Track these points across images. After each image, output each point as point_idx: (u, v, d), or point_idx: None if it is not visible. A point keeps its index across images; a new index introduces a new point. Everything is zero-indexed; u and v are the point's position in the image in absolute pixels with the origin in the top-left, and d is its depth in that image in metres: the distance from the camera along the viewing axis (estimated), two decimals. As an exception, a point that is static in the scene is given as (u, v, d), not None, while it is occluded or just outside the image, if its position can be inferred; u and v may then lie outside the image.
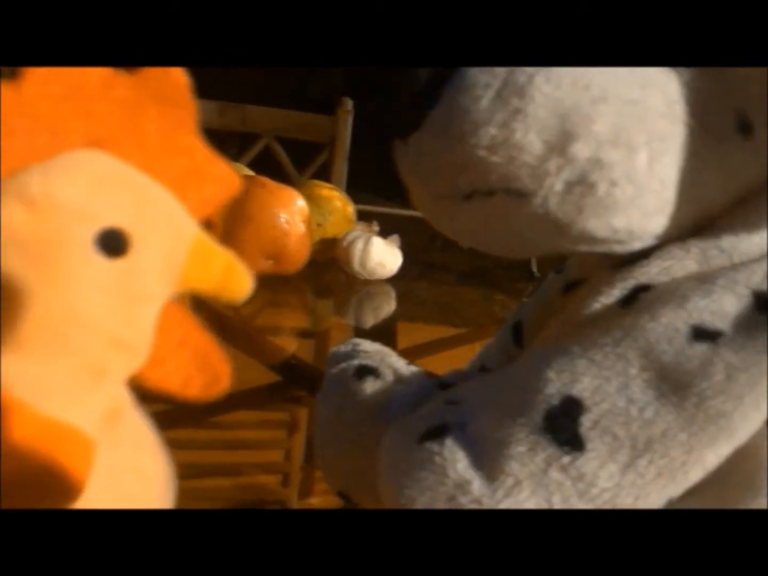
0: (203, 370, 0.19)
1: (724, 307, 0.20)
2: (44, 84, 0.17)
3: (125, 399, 0.19)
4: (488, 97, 0.20)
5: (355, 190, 1.19)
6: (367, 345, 0.31)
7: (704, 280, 0.21)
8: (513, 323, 0.32)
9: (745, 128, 0.21)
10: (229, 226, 0.57)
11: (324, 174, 1.16)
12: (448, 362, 0.56)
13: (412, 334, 0.63)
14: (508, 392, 0.22)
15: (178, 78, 0.20)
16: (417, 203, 0.24)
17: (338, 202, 0.65)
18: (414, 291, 0.68)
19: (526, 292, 0.60)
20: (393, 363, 0.30)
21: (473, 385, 0.25)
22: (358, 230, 0.62)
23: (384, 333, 0.61)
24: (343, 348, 0.31)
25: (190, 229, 0.19)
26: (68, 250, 0.16)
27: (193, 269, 0.19)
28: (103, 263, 0.17)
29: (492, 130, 0.20)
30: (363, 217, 0.74)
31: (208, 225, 0.64)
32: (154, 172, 0.19)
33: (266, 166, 1.19)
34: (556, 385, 0.21)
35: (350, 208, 0.66)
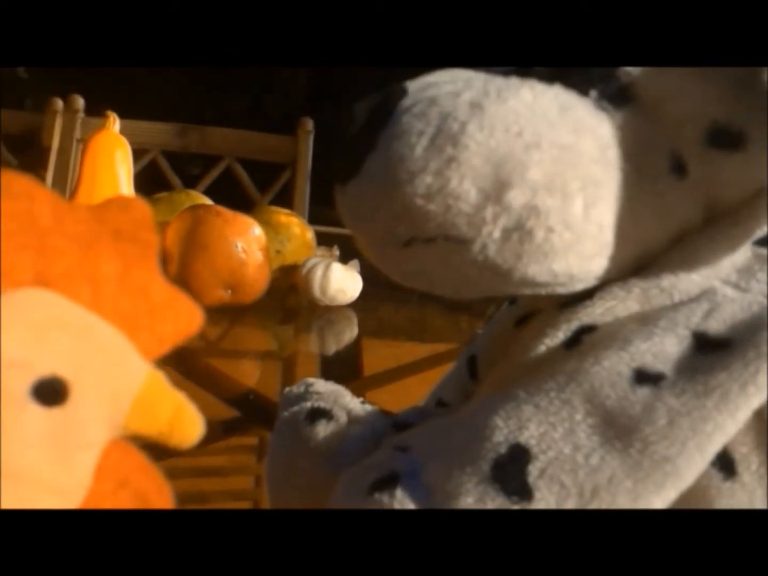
0: None
1: (665, 349, 0.20)
2: None
3: None
4: (422, 145, 0.20)
5: (318, 207, 1.18)
6: (321, 385, 0.31)
7: (646, 321, 0.21)
8: (468, 357, 0.32)
9: (679, 169, 0.21)
10: (185, 257, 0.56)
11: (287, 194, 1.15)
12: (414, 385, 0.56)
13: (377, 351, 0.63)
14: (457, 439, 0.22)
15: (138, 213, 0.19)
16: (360, 247, 0.24)
17: (297, 228, 0.64)
18: (378, 313, 0.68)
19: (487, 313, 0.60)
20: (347, 404, 0.30)
21: (423, 430, 0.24)
22: (318, 256, 0.61)
23: (350, 352, 0.61)
24: (295, 389, 0.31)
25: (137, 374, 0.19)
26: (3, 401, 0.16)
27: (137, 415, 0.19)
28: (38, 413, 0.16)
29: (427, 179, 0.20)
30: (323, 239, 0.73)
31: (164, 257, 0.63)
32: (105, 312, 0.18)
33: (228, 188, 1.18)
34: (503, 432, 0.20)
35: (309, 234, 0.65)
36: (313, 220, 0.99)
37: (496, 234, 0.20)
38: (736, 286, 0.21)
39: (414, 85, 0.22)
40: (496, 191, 0.20)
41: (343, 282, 0.58)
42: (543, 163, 0.20)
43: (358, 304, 0.63)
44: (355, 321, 0.62)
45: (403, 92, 0.22)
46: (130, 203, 0.19)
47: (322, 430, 0.28)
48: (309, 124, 1.12)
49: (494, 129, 0.20)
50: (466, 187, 0.20)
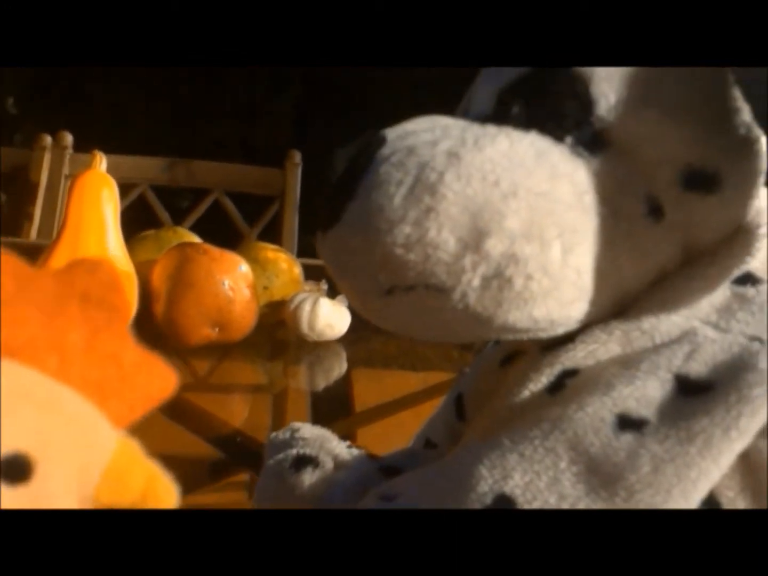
0: None
1: (647, 393, 0.20)
2: None
3: None
4: (401, 195, 0.20)
5: (307, 239, 1.19)
6: (307, 431, 0.30)
7: (627, 365, 0.21)
8: (455, 396, 0.32)
9: (655, 212, 0.22)
10: (172, 295, 0.56)
11: (275, 226, 1.15)
12: (407, 417, 0.55)
13: (368, 382, 0.62)
14: (443, 489, 0.22)
15: (105, 276, 0.19)
16: (343, 294, 0.24)
17: (284, 263, 0.64)
18: (367, 344, 0.67)
19: (475, 344, 0.60)
20: (333, 449, 0.29)
21: (410, 479, 0.24)
22: (306, 291, 0.61)
23: (340, 386, 0.60)
24: (281, 435, 0.30)
25: (107, 444, 0.18)
26: None
27: (108, 486, 0.18)
28: (2, 491, 0.16)
29: (406, 229, 0.20)
30: (313, 272, 0.73)
31: (151, 295, 0.62)
32: (73, 380, 0.18)
33: (217, 220, 1.18)
34: (488, 482, 0.20)
35: (297, 269, 0.65)
36: (302, 251, 0.99)
37: (476, 282, 0.20)
38: (716, 326, 0.21)
39: (393, 133, 0.22)
40: (475, 240, 0.20)
41: (331, 317, 0.58)
42: (520, 211, 0.20)
43: (347, 337, 0.62)
44: (344, 356, 0.61)
45: (382, 140, 0.22)
46: (97, 266, 0.19)
47: (308, 477, 0.27)
48: (296, 156, 1.13)
49: (471, 178, 0.20)
50: (444, 237, 0.20)
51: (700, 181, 0.21)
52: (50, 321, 0.17)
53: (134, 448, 0.19)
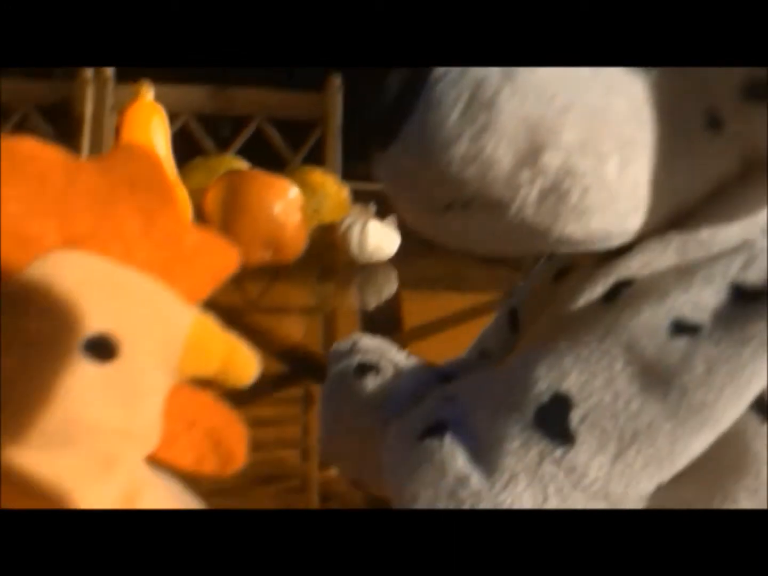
0: (217, 448, 0.20)
1: (703, 300, 0.21)
2: (4, 187, 0.16)
3: (143, 480, 0.19)
4: (457, 113, 0.21)
5: (352, 164, 1.18)
6: (368, 341, 0.32)
7: (684, 273, 0.22)
8: (509, 310, 0.33)
9: (714, 124, 0.22)
10: (226, 219, 0.58)
11: (319, 151, 1.15)
12: (455, 336, 0.57)
13: (417, 303, 0.64)
14: (502, 390, 0.23)
15: (146, 160, 0.19)
16: (401, 212, 0.25)
17: (332, 187, 0.65)
18: (415, 266, 0.68)
19: (523, 264, 0.61)
20: (393, 357, 0.31)
21: (468, 382, 0.26)
22: (355, 214, 0.62)
23: (390, 306, 0.62)
24: (343, 345, 0.32)
25: (182, 319, 0.19)
26: (57, 358, 0.17)
27: (191, 358, 0.19)
28: (93, 369, 0.17)
29: (463, 146, 0.21)
30: (360, 197, 0.74)
31: (205, 220, 0.64)
32: (138, 263, 0.18)
33: (260, 148, 1.19)
34: (545, 382, 0.22)
35: (344, 193, 0.66)
36: (346, 176, 0.99)
37: (533, 196, 0.21)
38: None
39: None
40: (531, 155, 0.20)
41: (380, 239, 0.59)
42: (576, 125, 0.20)
43: (395, 258, 0.64)
44: (394, 275, 0.63)
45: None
46: (133, 152, 0.19)
47: (371, 383, 0.29)
48: (337, 80, 1.11)
49: (527, 94, 0.20)
50: (501, 153, 0.20)
51: (761, 90, 0.21)
52: (106, 210, 0.18)
53: (210, 321, 0.20)
